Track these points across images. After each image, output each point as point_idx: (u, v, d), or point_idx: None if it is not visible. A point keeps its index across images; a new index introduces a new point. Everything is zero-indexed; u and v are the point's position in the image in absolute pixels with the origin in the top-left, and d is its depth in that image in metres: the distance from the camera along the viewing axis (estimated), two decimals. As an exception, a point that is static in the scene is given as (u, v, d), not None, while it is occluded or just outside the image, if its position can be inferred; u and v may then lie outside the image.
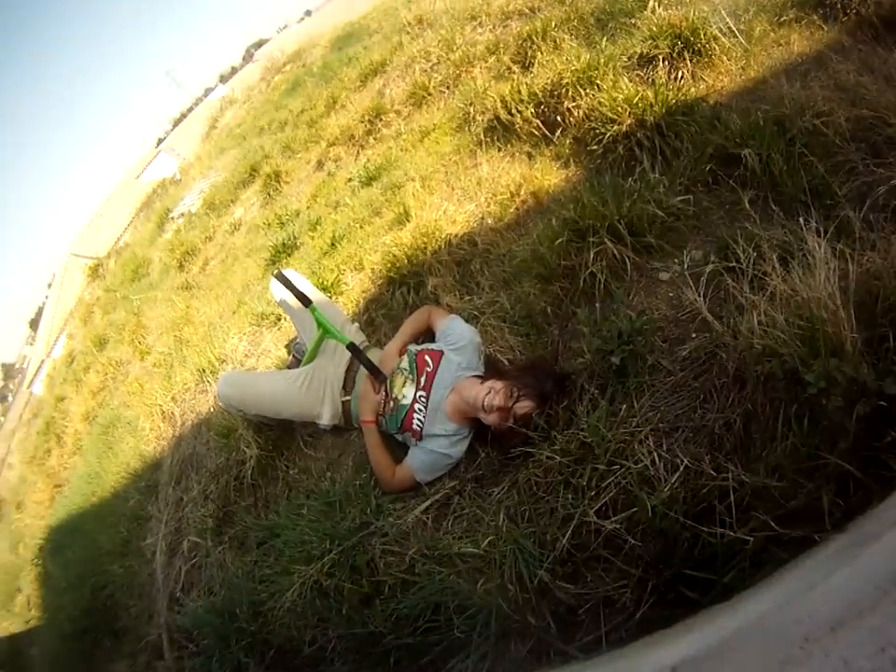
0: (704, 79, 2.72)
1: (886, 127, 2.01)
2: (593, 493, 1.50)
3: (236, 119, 11.61)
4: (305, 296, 2.27)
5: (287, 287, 2.27)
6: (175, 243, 7.00)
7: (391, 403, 2.04)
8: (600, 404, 1.68)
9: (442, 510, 1.84)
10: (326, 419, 2.25)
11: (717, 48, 2.80)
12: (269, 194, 5.66)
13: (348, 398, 2.23)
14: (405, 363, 2.09)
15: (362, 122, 4.84)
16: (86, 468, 4.77)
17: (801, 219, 1.74)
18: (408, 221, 3.06)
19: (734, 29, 2.85)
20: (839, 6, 2.83)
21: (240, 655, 1.85)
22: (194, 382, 3.67)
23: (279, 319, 3.40)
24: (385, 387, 2.08)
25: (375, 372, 2.12)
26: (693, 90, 2.63)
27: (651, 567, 1.36)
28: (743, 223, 1.99)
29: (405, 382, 2.05)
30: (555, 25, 3.70)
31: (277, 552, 2.02)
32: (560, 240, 2.12)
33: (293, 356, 2.78)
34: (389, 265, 2.78)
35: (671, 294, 1.95)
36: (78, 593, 3.30)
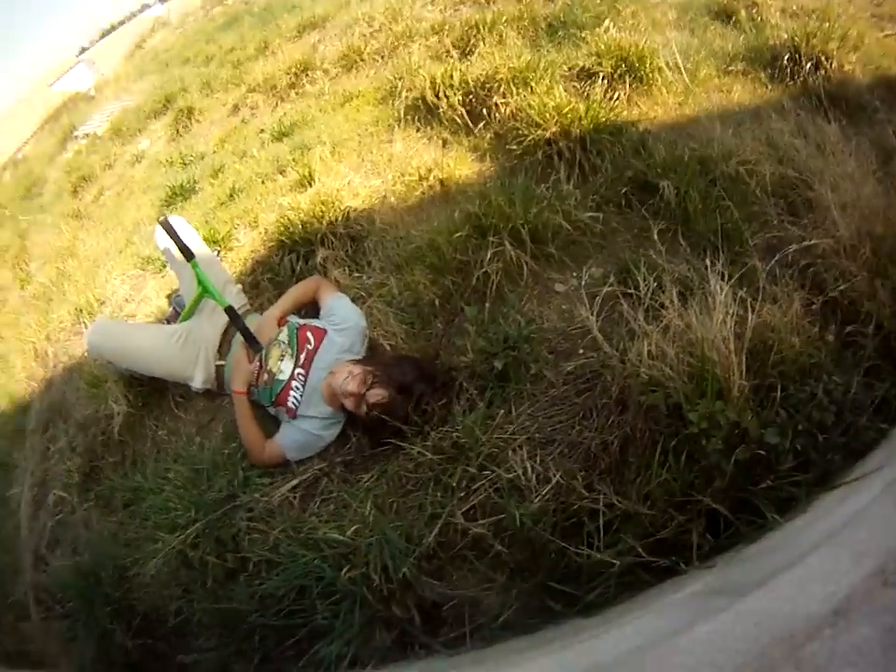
0: (639, 105, 2.71)
1: (808, 190, 2.06)
2: (462, 494, 1.47)
3: (165, 43, 10.94)
4: (189, 249, 2.09)
5: (171, 236, 2.08)
6: (73, 165, 6.48)
7: (265, 375, 1.92)
8: (478, 406, 1.63)
9: (310, 490, 1.78)
10: (198, 382, 2.10)
11: (659, 79, 2.81)
12: (178, 130, 5.25)
13: (222, 362, 2.09)
14: (284, 335, 1.96)
15: (288, 74, 4.58)
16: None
17: (707, 260, 1.71)
18: (310, 185, 2.84)
19: (680, 65, 2.87)
20: (788, 70, 2.94)
21: (105, 622, 1.77)
22: (70, 321, 3.41)
23: (164, 266, 3.10)
24: (261, 358, 1.95)
25: (252, 341, 1.97)
26: (625, 113, 2.61)
27: (515, 574, 1.37)
28: (648, 251, 1.95)
29: (282, 355, 1.92)
30: (505, 20, 3.61)
31: (143, 516, 1.91)
32: (459, 234, 2.00)
33: (173, 308, 2.57)
34: (283, 228, 2.55)
35: (564, 307, 1.88)
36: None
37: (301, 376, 1.87)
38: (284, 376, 1.88)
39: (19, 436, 3.15)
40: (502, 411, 1.60)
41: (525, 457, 1.47)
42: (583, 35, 3.31)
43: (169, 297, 2.82)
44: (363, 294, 2.16)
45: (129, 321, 2.90)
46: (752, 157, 2.20)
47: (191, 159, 4.37)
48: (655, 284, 1.70)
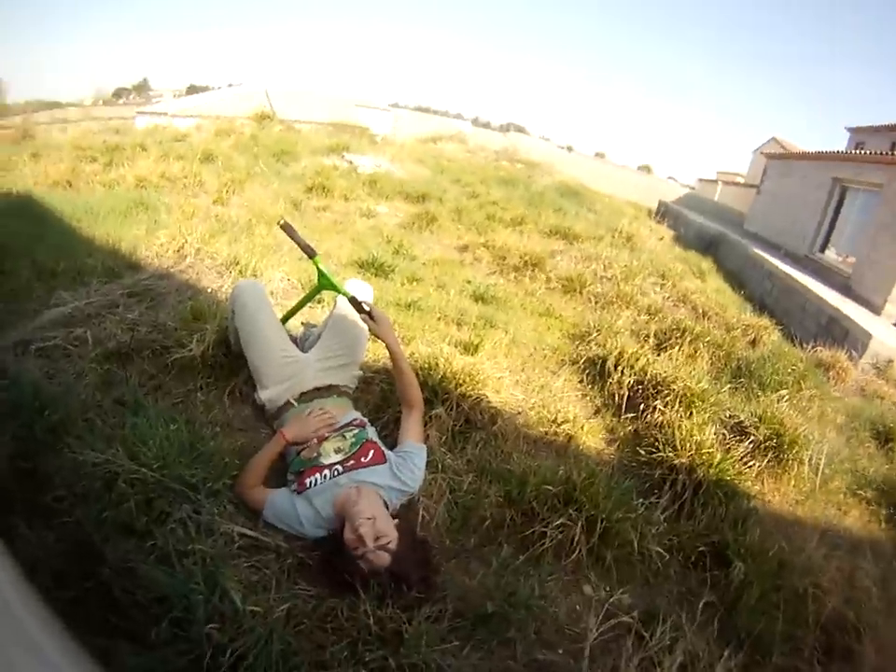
0: (762, 482, 2.84)
1: (855, 641, 2.08)
2: None
3: (451, 153, 13.15)
4: (310, 247, 2.34)
5: (292, 236, 2.35)
6: (322, 173, 7.47)
7: (313, 452, 2.02)
8: (442, 627, 1.66)
9: (252, 552, 1.73)
10: (265, 395, 2.25)
11: (795, 469, 2.96)
12: (413, 224, 6.12)
13: (295, 405, 2.21)
14: (353, 437, 2.07)
15: (519, 257, 5.21)
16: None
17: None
18: (472, 354, 3.12)
19: (820, 468, 2.99)
20: None
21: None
22: (226, 258, 3.68)
23: (319, 303, 3.46)
24: (323, 436, 2.06)
25: (358, 306, 2.19)
26: (748, 482, 2.75)
27: None
28: (681, 613, 2.01)
29: (339, 449, 2.03)
30: (708, 341, 4.00)
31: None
32: (546, 487, 2.21)
33: (303, 332, 2.89)
34: (426, 366, 2.73)
35: (578, 607, 1.97)
36: None
37: (336, 472, 1.94)
38: (324, 461, 1.97)
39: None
40: (457, 642, 1.61)
41: None
42: (759, 393, 3.57)
43: (304, 323, 3.11)
44: (439, 465, 2.31)
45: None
46: (827, 585, 2.21)
47: (405, 253, 4.99)
48: (668, 643, 1.77)
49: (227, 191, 5.85)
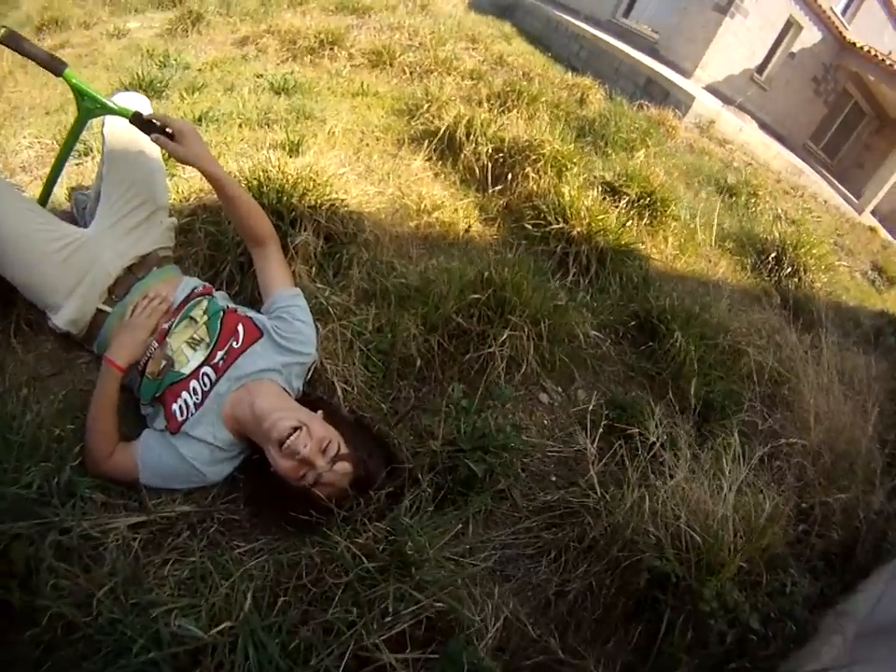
0: (642, 241, 2.71)
1: (786, 387, 2.15)
2: (388, 619, 1.05)
3: None
4: (55, 59, 1.43)
5: (20, 49, 1.40)
6: (51, 4, 5.70)
7: (162, 361, 1.36)
8: (428, 511, 1.25)
9: (160, 537, 1.21)
10: (61, 319, 1.43)
11: (671, 225, 2.88)
12: (176, 30, 4.76)
13: (109, 309, 1.46)
14: (203, 313, 1.43)
15: (312, 37, 4.31)
16: None
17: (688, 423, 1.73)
18: (297, 155, 2.45)
19: (688, 221, 2.97)
20: (769, 267, 3.12)
21: None
22: None
23: (85, 155, 2.49)
24: (165, 333, 1.40)
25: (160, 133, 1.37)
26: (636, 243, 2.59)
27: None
28: (636, 392, 1.86)
29: (194, 340, 1.40)
30: (544, 100, 3.67)
31: None
32: (476, 296, 1.75)
33: (72, 205, 1.97)
34: (255, 182, 2.06)
35: (546, 421, 1.69)
36: None
37: (206, 378, 1.35)
38: (185, 369, 1.35)
39: None
40: (459, 525, 1.28)
41: (478, 588, 1.19)
42: (609, 152, 3.40)
43: (71, 190, 2.14)
44: (326, 309, 1.73)
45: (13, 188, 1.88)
46: (743, 338, 2.24)
47: (174, 63, 3.82)
48: (666, 435, 1.62)
49: None
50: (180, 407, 1.31)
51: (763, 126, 9.13)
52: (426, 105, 3.26)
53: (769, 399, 2.11)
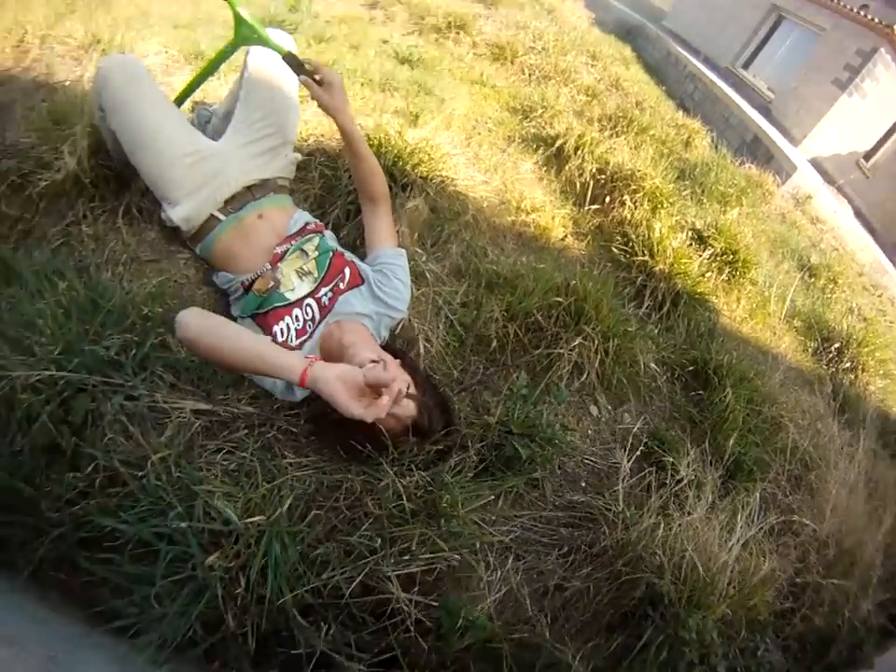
0: (717, 296, 2.77)
1: (813, 472, 2.22)
2: (406, 557, 1.17)
3: None
4: None
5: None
6: None
7: (271, 282, 1.43)
8: (468, 476, 1.39)
9: (219, 428, 1.29)
10: (176, 213, 1.50)
11: (747, 287, 2.94)
12: None
13: (222, 217, 1.53)
14: (315, 250, 1.50)
15: (441, 17, 4.37)
16: None
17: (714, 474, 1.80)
18: (415, 127, 2.54)
19: (763, 290, 3.00)
20: (832, 359, 3.17)
21: None
22: (81, 42, 2.61)
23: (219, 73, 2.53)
24: (280, 254, 1.47)
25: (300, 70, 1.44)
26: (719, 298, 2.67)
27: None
28: (677, 432, 1.95)
29: (304, 270, 1.48)
30: (652, 134, 3.73)
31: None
32: (557, 299, 1.88)
33: (194, 118, 2.07)
34: (376, 142, 2.18)
35: (590, 432, 1.81)
36: None
37: (309, 309, 1.42)
38: (290, 295, 1.43)
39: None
40: (492, 497, 1.38)
41: (491, 557, 1.34)
42: (703, 201, 3.43)
43: (196, 104, 2.23)
44: (424, 274, 1.87)
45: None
46: (787, 414, 2.30)
47: (303, 9, 3.86)
48: (692, 473, 1.71)
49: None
50: (281, 329, 1.40)
51: (858, 214, 8.90)
52: (539, 111, 3.36)
53: (795, 479, 2.16)
